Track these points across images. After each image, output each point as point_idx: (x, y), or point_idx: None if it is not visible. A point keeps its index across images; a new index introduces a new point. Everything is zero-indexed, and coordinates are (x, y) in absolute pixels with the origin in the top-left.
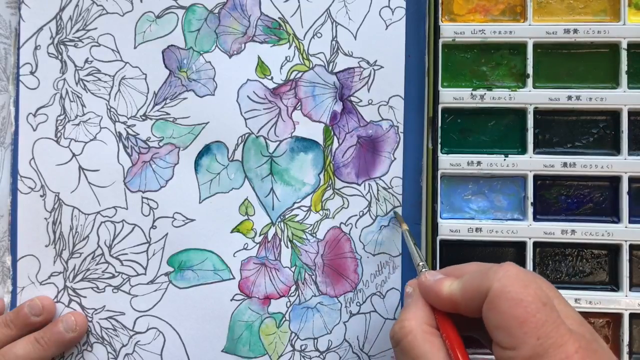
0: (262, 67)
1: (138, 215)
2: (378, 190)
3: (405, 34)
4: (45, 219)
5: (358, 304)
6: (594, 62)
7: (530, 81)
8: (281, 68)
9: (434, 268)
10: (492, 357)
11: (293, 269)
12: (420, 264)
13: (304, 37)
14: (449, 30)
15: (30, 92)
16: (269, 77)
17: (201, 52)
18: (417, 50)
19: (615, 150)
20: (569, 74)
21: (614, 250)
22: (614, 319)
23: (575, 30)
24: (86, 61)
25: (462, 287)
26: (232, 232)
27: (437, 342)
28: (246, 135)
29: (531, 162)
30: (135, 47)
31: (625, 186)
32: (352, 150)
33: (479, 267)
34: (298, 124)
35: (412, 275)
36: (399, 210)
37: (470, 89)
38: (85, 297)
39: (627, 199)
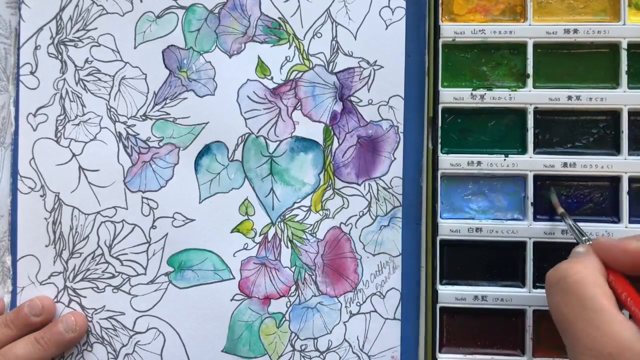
0: (262, 67)
1: (138, 215)
2: (378, 190)
3: (405, 34)
4: (45, 219)
5: (358, 304)
6: (594, 62)
7: (530, 81)
8: (281, 68)
9: (434, 268)
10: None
11: (293, 269)
12: (586, 238)
13: (304, 37)
14: (449, 30)
15: (30, 92)
16: (269, 77)
17: (201, 52)
18: (417, 50)
19: (615, 150)
20: (569, 74)
21: None
22: None
23: (575, 30)
24: (86, 61)
25: None
26: (232, 232)
27: (607, 292)
28: (246, 135)
29: (531, 162)
30: (135, 47)
31: (625, 186)
32: (352, 150)
33: None
34: (298, 124)
35: (413, 276)
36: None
37: (470, 89)
38: (85, 297)
39: (627, 199)
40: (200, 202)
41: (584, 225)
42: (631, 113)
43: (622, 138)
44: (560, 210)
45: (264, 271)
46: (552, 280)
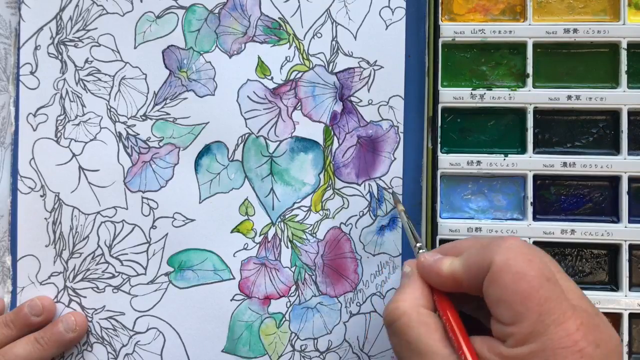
0: (262, 67)
1: (138, 215)
2: (378, 190)
3: (405, 34)
4: (45, 219)
5: (358, 304)
6: (593, 62)
7: (530, 81)
8: (281, 68)
9: None
10: None
11: (293, 269)
12: (418, 245)
13: (304, 37)
14: (449, 30)
15: (30, 92)
16: (269, 77)
17: (201, 52)
18: (417, 50)
19: (615, 150)
20: (569, 73)
21: (613, 250)
22: (614, 318)
23: (575, 30)
24: (86, 61)
25: (463, 263)
26: (232, 232)
27: (432, 324)
28: (246, 135)
29: (531, 162)
30: (135, 47)
31: (624, 186)
32: (352, 150)
33: (477, 242)
34: (298, 124)
35: None
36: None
37: (470, 89)
38: (85, 297)
39: (626, 199)
40: (200, 202)
41: (583, 225)
42: (631, 113)
43: (621, 138)
44: (401, 207)
45: (264, 271)
46: (386, 322)
